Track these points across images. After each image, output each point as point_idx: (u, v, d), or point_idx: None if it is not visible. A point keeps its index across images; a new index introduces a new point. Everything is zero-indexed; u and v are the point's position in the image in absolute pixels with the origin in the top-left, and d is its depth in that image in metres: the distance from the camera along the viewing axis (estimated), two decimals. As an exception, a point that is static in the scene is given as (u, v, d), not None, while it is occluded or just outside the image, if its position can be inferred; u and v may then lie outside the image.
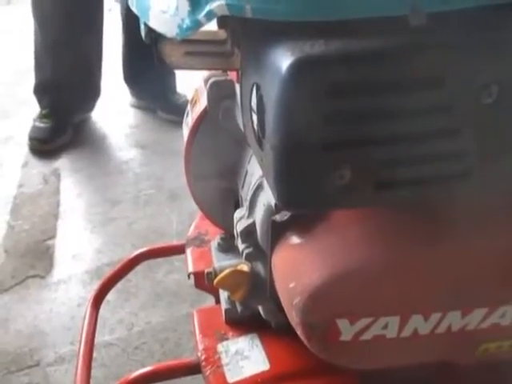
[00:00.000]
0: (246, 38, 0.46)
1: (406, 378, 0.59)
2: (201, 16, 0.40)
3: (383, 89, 0.38)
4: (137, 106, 2.55)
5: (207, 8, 0.40)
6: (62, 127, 2.28)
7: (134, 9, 0.50)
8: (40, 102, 2.31)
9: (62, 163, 2.47)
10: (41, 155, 2.40)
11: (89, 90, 2.35)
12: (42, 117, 2.24)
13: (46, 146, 2.25)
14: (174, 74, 2.39)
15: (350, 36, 0.38)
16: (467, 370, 0.58)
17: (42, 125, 2.24)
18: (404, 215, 0.48)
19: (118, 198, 2.15)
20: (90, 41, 2.23)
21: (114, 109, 3.09)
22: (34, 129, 2.26)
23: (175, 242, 0.99)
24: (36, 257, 1.81)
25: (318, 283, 0.46)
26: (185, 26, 0.41)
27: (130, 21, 2.00)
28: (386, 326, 0.48)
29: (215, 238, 0.81)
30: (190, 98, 0.79)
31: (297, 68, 0.36)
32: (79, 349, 0.77)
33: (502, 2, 0.39)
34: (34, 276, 1.72)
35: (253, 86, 0.45)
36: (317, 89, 0.37)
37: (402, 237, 0.47)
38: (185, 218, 1.91)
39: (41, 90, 2.27)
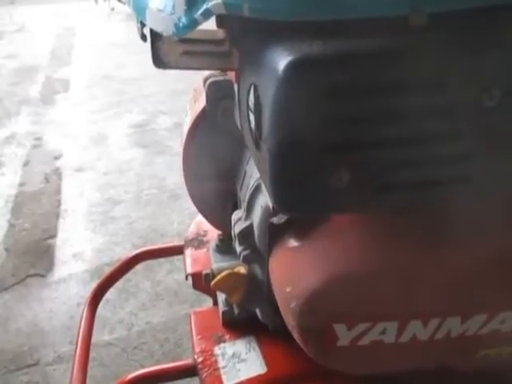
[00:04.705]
0: (243, 37, 0.45)
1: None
2: (197, 14, 0.39)
3: (382, 91, 0.37)
4: None
5: (204, 6, 0.39)
6: None
7: (130, 7, 0.49)
8: None
9: (64, 162, 2.48)
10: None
11: None
12: None
13: None
14: None
15: (348, 36, 0.37)
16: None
17: None
18: (402, 219, 0.47)
19: (119, 197, 2.15)
20: None
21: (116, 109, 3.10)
22: None
23: (174, 242, 0.99)
24: (36, 256, 1.82)
25: (314, 287, 0.45)
26: (181, 24, 0.40)
27: None
28: (384, 332, 0.48)
29: (213, 239, 0.81)
30: (189, 97, 0.79)
31: (294, 68, 0.35)
32: (76, 348, 0.77)
33: (503, 3, 0.38)
34: (34, 275, 1.72)
35: (250, 86, 0.44)
36: (314, 90, 0.36)
37: (399, 241, 0.46)
38: (185, 218, 1.91)
39: None
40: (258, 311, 0.66)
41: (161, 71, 0.56)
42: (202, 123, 0.70)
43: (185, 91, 2.54)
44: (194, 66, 0.54)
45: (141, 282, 1.65)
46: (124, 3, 5.34)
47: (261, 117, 0.41)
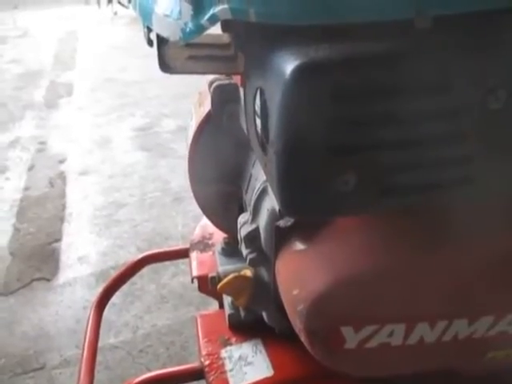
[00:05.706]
0: (249, 42, 0.45)
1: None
2: (204, 20, 0.40)
3: (388, 93, 0.37)
4: None
5: (210, 12, 0.39)
6: None
7: (136, 12, 0.50)
8: None
9: (68, 166, 2.49)
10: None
11: None
12: None
13: None
14: None
15: (354, 40, 0.37)
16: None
17: None
18: (408, 221, 0.47)
19: (123, 200, 2.16)
20: None
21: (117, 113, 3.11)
22: None
23: (179, 245, 0.99)
24: (42, 259, 1.82)
25: (321, 290, 0.45)
26: (188, 29, 0.41)
27: None
28: (391, 334, 0.48)
29: (219, 242, 0.81)
30: (193, 101, 0.79)
31: (301, 72, 0.36)
32: (82, 352, 0.77)
33: (507, 6, 0.38)
34: (39, 279, 1.72)
35: (256, 90, 0.44)
36: (321, 93, 0.36)
37: (406, 243, 0.46)
38: (190, 221, 1.92)
39: None
40: (264, 314, 0.66)
41: (163, 74, 0.56)
42: (207, 127, 0.70)
43: (187, 94, 2.55)
44: (200, 70, 0.54)
45: (146, 285, 1.66)
46: (126, 7, 5.36)
47: (267, 120, 0.41)
